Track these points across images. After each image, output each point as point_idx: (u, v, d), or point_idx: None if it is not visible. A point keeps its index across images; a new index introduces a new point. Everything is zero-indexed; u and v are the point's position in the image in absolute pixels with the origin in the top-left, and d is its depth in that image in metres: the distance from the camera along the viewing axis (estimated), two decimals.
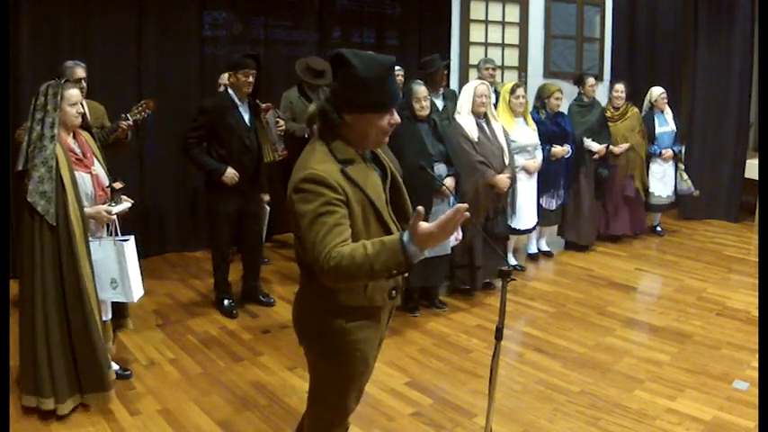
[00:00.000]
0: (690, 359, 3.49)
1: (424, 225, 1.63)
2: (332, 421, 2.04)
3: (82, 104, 2.88)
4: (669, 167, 5.75)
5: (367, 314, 1.91)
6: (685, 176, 5.79)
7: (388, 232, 1.84)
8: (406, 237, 1.64)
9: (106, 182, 2.92)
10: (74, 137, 2.87)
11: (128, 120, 3.75)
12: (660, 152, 5.66)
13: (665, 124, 5.72)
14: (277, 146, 4.35)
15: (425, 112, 3.93)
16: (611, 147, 5.40)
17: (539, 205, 5.03)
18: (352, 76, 1.76)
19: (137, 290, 2.94)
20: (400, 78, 5.20)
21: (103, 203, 2.87)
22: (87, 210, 2.78)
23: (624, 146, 5.45)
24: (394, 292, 1.95)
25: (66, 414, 2.79)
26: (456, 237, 4.09)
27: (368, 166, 1.89)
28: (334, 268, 1.67)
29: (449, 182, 3.91)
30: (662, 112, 5.73)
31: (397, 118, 1.87)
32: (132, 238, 2.93)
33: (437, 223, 1.63)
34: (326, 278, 1.70)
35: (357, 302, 1.88)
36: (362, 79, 1.75)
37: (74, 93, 2.78)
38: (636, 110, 5.63)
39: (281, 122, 4.42)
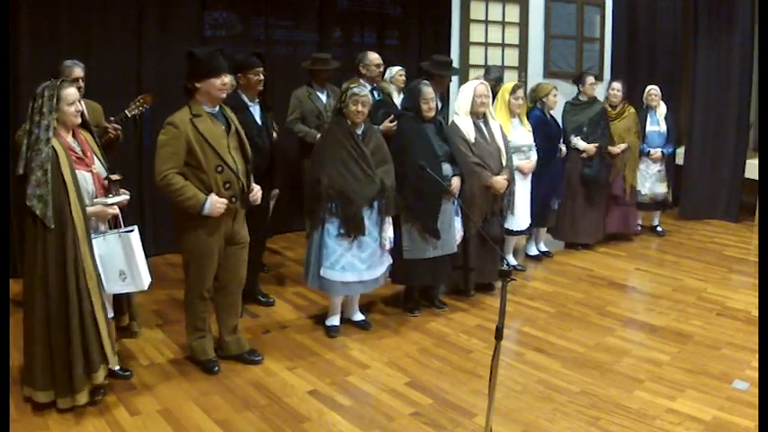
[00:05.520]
0: (690, 359, 3.49)
1: (220, 202, 2.98)
2: (191, 285, 3.19)
3: (80, 103, 2.88)
4: (656, 167, 5.75)
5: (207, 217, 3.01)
6: (663, 178, 5.80)
7: (222, 161, 2.99)
8: (207, 203, 2.95)
9: (104, 174, 2.93)
10: (73, 135, 2.87)
11: (126, 116, 3.84)
12: (648, 151, 5.66)
13: (656, 123, 5.73)
14: None
15: (432, 113, 3.93)
16: (609, 147, 5.39)
17: (545, 206, 5.02)
18: (195, 60, 2.98)
19: (145, 277, 2.95)
20: (402, 78, 5.20)
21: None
22: (89, 209, 2.79)
23: (622, 146, 5.46)
24: (234, 199, 3.07)
25: (65, 408, 2.80)
26: (460, 235, 4.10)
27: (213, 120, 3.03)
28: (164, 185, 2.93)
29: (455, 182, 3.91)
30: (654, 111, 5.74)
31: (226, 80, 2.99)
32: (136, 227, 2.94)
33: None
34: (158, 184, 2.95)
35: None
36: (199, 59, 2.97)
37: (71, 92, 2.78)
38: (633, 110, 5.63)
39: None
